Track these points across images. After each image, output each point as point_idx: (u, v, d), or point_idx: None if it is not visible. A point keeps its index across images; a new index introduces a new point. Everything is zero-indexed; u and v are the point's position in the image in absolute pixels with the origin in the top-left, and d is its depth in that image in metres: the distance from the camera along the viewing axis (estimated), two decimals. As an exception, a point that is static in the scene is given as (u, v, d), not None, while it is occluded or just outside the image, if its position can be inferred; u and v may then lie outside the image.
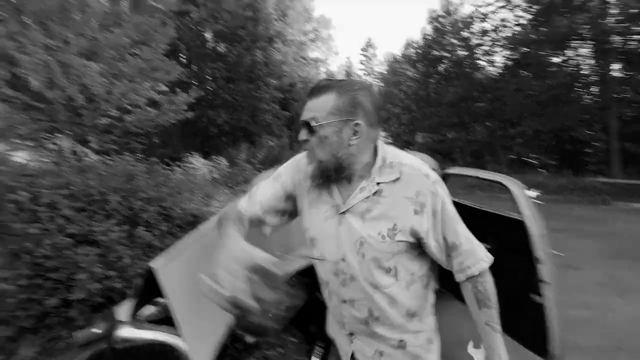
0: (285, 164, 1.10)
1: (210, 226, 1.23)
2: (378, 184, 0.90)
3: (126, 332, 1.02)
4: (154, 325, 1.07)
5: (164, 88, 6.65)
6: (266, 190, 1.05)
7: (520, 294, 1.46)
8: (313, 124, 0.88)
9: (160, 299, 1.18)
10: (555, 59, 16.22)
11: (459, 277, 0.94)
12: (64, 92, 5.10)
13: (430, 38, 21.00)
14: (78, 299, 2.27)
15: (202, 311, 1.02)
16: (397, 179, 0.90)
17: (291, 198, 1.05)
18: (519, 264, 1.43)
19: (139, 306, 1.19)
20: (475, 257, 0.92)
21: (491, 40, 18.09)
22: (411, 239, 0.89)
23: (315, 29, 20.22)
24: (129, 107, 5.82)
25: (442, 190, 0.91)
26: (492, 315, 0.92)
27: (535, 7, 15.91)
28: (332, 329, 1.11)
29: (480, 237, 1.71)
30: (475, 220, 1.80)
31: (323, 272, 1.01)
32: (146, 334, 1.03)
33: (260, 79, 16.38)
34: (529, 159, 18.47)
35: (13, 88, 4.64)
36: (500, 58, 18.52)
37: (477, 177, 1.74)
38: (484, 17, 17.90)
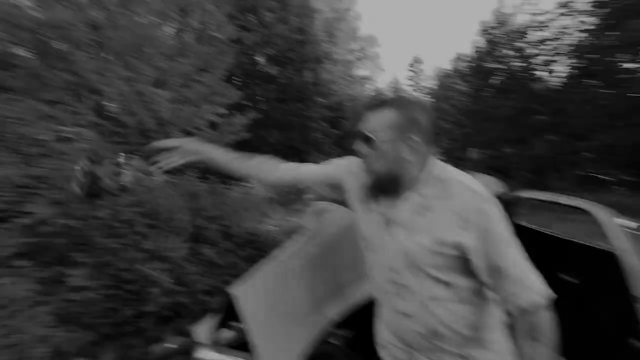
0: (339, 159, 1.15)
1: (285, 254, 1.27)
2: (422, 195, 0.90)
3: (207, 355, 1.07)
4: (233, 351, 1.11)
5: (224, 111, 7.13)
6: (310, 168, 1.17)
7: (614, 337, 1.29)
8: (371, 136, 0.91)
9: (235, 323, 1.23)
10: (629, 65, 14.67)
11: (507, 306, 0.87)
12: (137, 117, 5.68)
13: (482, 50, 20.23)
14: (150, 311, 2.43)
15: (279, 339, 1.04)
16: (444, 193, 0.88)
17: (336, 188, 1.12)
18: (613, 302, 1.27)
19: (216, 328, 1.24)
20: (525, 288, 0.84)
21: (552, 49, 16.91)
22: (455, 252, 0.86)
23: (361, 48, 20.47)
24: (192, 129, 6.33)
25: (494, 209, 0.86)
26: (539, 350, 0.83)
27: (599, 10, 14.64)
28: (382, 338, 1.08)
29: (562, 270, 1.56)
30: (556, 250, 1.65)
31: (378, 280, 1.01)
32: (227, 359, 1.07)
33: (309, 99, 16.84)
34: (600, 175, 16.66)
35: (97, 116, 5.27)
36: (562, 67, 17.21)
37: (556, 203, 1.60)
38: (541, 26, 16.86)
